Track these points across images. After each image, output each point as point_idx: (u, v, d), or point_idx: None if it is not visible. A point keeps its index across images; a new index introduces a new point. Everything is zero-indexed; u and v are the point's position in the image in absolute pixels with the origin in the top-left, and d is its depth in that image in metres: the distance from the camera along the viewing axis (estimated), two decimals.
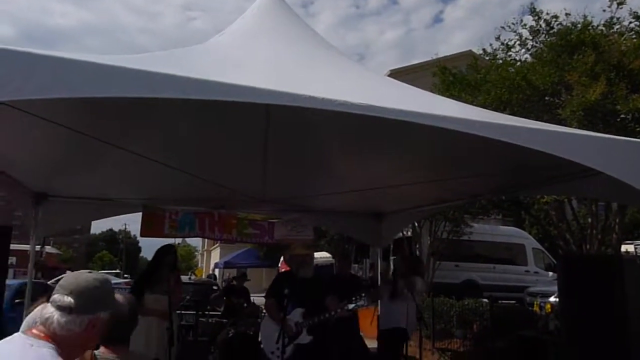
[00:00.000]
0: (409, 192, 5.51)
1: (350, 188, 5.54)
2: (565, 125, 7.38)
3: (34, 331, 1.53)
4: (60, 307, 1.53)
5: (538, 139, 2.87)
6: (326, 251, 17.19)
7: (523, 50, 11.02)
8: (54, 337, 1.51)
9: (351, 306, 4.63)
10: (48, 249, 31.96)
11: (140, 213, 6.72)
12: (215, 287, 13.75)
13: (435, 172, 4.91)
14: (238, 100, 2.35)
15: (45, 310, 1.55)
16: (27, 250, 6.39)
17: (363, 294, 4.76)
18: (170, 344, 4.19)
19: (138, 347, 3.19)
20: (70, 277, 1.64)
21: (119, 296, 2.40)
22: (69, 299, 1.53)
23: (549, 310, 10.19)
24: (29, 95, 2.02)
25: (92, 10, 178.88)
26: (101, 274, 1.75)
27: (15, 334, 1.58)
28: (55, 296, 1.56)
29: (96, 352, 2.25)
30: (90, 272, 1.72)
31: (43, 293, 4.95)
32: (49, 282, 15.49)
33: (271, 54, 3.63)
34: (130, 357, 2.33)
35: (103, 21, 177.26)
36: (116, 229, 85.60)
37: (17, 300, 7.92)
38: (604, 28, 9.86)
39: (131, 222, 60.30)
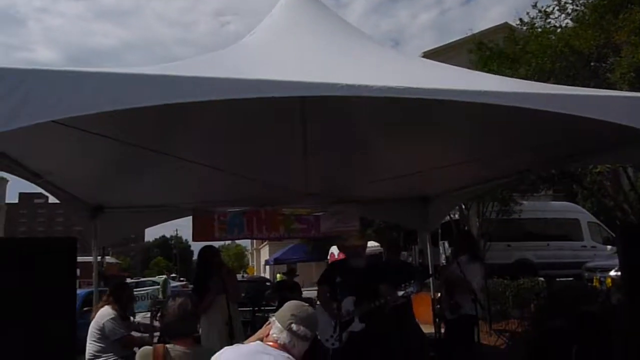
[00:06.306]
0: (454, 173, 5.41)
1: (392, 174, 5.50)
2: (615, 90, 7.06)
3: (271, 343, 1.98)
4: (303, 338, 1.99)
5: (587, 105, 2.76)
6: (374, 240, 17.16)
7: (563, 15, 10.54)
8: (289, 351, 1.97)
9: (401, 293, 4.61)
10: (108, 259, 33.37)
11: (190, 217, 6.92)
12: (268, 283, 14.04)
13: (480, 150, 4.81)
14: (275, 96, 2.37)
15: (284, 335, 1.97)
16: (89, 262, 6.70)
17: (412, 280, 4.74)
18: (231, 338, 4.32)
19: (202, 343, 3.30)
20: (301, 310, 2.04)
21: (182, 296, 2.55)
22: (309, 332, 2.00)
23: (610, 284, 9.80)
24: (77, 112, 2.11)
25: (130, 27, 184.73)
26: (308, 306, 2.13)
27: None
28: (294, 326, 1.98)
29: (168, 346, 2.38)
30: (308, 306, 2.12)
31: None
32: None
33: (303, 47, 3.65)
34: (198, 349, 2.46)
35: (140, 37, 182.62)
36: (168, 235, 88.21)
37: (85, 309, 8.32)
38: None
39: (182, 228, 62.20)
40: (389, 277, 4.83)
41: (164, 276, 24.33)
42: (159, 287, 21.14)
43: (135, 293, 8.14)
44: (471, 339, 5.20)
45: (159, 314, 2.92)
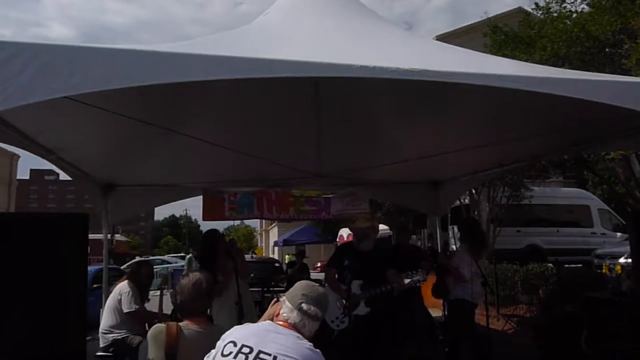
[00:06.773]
0: (465, 158, 5.38)
1: (404, 157, 5.47)
2: (631, 76, 6.93)
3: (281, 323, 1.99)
4: (313, 317, 2.00)
5: (602, 91, 2.71)
6: (383, 224, 17.15)
7: (579, 0, 10.38)
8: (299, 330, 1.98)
9: (407, 281, 4.62)
10: (117, 237, 33.83)
11: (200, 197, 6.96)
12: (277, 265, 14.15)
13: (492, 135, 4.76)
14: (290, 76, 2.35)
15: (294, 315, 1.98)
16: (99, 240, 6.77)
17: (419, 269, 4.74)
18: (241, 317, 4.36)
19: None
20: (312, 290, 2.06)
21: (197, 274, 2.56)
22: (319, 312, 2.01)
23: (620, 271, 9.74)
24: (90, 88, 2.11)
25: (144, 5, 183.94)
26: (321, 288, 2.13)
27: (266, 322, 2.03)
28: (304, 306, 1.99)
29: (181, 324, 2.40)
30: (318, 285, 2.13)
31: (117, 277, 5.35)
32: (121, 267, 16.49)
33: (317, 28, 3.60)
34: (211, 328, 2.47)
35: (154, 15, 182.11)
36: (177, 215, 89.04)
37: (95, 285, 8.44)
38: None
39: (191, 207, 62.65)
40: (397, 262, 4.83)
41: (189, 255, 24.67)
42: (167, 266, 21.43)
43: None
44: (463, 321, 5.24)
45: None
